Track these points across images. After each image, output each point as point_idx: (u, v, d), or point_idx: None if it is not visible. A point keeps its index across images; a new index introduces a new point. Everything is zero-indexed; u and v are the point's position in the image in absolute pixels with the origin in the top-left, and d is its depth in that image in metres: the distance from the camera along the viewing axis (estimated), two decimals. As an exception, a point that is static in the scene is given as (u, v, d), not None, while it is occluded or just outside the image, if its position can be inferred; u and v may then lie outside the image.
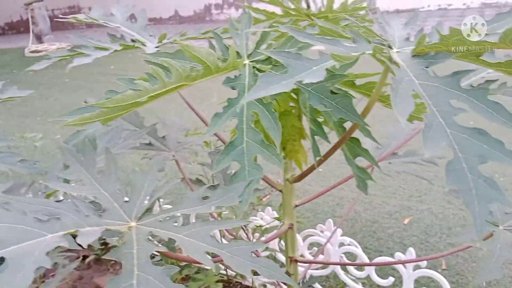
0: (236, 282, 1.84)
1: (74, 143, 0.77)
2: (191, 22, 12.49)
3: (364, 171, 0.94)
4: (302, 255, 1.64)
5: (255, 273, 1.21)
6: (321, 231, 1.65)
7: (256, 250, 1.57)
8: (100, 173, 0.70)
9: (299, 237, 1.67)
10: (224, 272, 1.83)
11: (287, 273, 1.14)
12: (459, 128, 0.45)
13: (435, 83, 0.51)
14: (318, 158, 0.85)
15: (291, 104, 0.98)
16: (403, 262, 1.23)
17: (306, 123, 0.98)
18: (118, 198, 0.65)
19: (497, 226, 0.85)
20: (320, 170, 2.91)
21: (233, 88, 0.79)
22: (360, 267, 1.55)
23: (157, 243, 1.38)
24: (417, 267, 1.40)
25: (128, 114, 1.27)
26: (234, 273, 1.84)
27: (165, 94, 0.77)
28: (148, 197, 0.66)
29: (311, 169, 0.96)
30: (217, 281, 1.76)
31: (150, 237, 1.24)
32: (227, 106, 0.76)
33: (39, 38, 8.95)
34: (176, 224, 0.60)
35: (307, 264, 1.44)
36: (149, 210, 0.63)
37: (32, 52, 8.09)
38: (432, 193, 2.46)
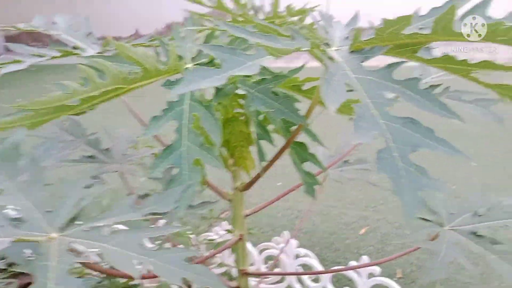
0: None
1: (-4, 150, 0.70)
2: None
3: (311, 175, 0.93)
4: (258, 269, 1.59)
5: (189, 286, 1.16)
6: (278, 244, 1.62)
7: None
8: (25, 182, 0.64)
9: (255, 251, 1.63)
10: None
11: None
12: (391, 118, 0.44)
13: (370, 76, 0.50)
14: (263, 163, 0.83)
15: (238, 110, 0.96)
16: (355, 268, 1.22)
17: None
18: (42, 208, 0.60)
19: (443, 226, 0.86)
20: (279, 184, 2.90)
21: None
22: (315, 279, 1.53)
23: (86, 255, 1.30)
24: (371, 276, 1.40)
25: (69, 124, 1.20)
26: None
27: (102, 98, 0.73)
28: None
29: (258, 176, 0.93)
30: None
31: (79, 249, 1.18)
32: (167, 108, 0.72)
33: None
34: (103, 233, 0.56)
35: (260, 278, 1.40)
36: (73, 219, 0.58)
37: None
38: (387, 203, 2.50)
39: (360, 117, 0.42)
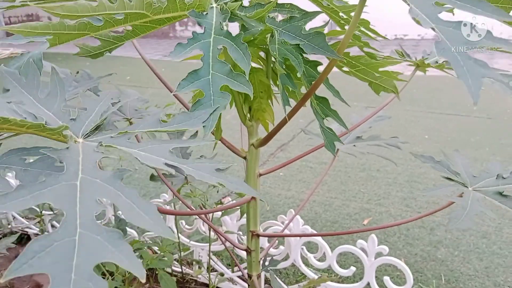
0: (191, 279, 1.74)
1: (17, 65, 0.68)
2: (154, 38, 12.40)
3: (331, 132, 0.90)
4: (262, 248, 1.56)
5: (212, 269, 1.12)
6: (282, 222, 1.59)
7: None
8: (46, 96, 0.61)
9: (259, 229, 1.59)
10: (179, 269, 1.72)
11: (247, 250, 1.07)
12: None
13: None
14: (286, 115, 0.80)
15: (256, 66, 0.94)
16: (366, 230, 1.19)
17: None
18: (64, 117, 0.57)
19: (467, 187, 0.83)
20: (281, 174, 2.88)
21: (199, 24, 0.74)
22: (321, 258, 1.50)
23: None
24: (379, 255, 1.37)
25: (81, 76, 1.18)
26: (189, 271, 1.73)
27: (125, 24, 0.70)
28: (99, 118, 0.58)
29: (278, 128, 0.90)
30: (171, 274, 1.65)
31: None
32: (192, 38, 0.70)
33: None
34: (130, 140, 0.53)
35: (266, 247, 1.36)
36: (99, 127, 0.56)
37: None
38: (390, 198, 2.48)
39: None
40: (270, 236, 1.14)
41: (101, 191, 0.41)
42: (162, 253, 1.14)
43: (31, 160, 0.49)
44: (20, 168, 0.50)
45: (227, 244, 1.38)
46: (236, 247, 1.08)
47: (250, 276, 1.07)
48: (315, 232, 1.53)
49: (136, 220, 0.38)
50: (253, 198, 1.02)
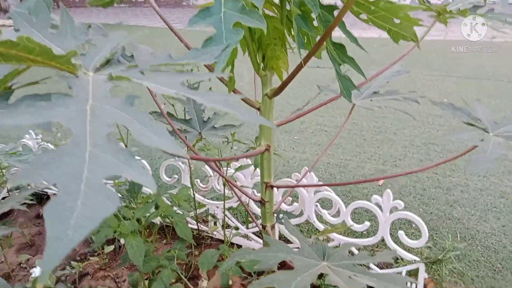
0: (206, 235, 1.77)
1: (28, 6, 0.67)
2: (168, 7, 12.22)
3: (348, 79, 0.88)
4: (275, 211, 1.57)
5: (227, 226, 1.12)
6: (296, 180, 1.59)
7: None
8: (55, 33, 0.60)
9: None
10: (195, 227, 1.75)
11: (261, 201, 1.07)
12: None
13: None
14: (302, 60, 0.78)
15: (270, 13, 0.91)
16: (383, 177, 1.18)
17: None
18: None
19: (488, 132, 0.81)
20: (296, 138, 2.86)
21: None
22: (335, 214, 1.50)
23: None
24: (394, 210, 1.36)
25: (93, 28, 1.16)
26: (205, 228, 1.76)
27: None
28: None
29: (293, 75, 0.88)
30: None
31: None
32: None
33: (6, 13, 8.57)
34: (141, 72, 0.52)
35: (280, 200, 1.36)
36: (109, 62, 0.55)
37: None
38: (406, 159, 2.45)
39: None
40: (283, 187, 1.14)
41: (113, 114, 0.40)
42: (177, 205, 1.15)
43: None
44: (35, 110, 0.49)
45: (242, 199, 1.39)
46: (251, 198, 1.08)
47: (264, 227, 1.08)
48: (329, 189, 1.53)
49: (149, 140, 0.38)
50: (266, 149, 1.01)
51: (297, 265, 0.68)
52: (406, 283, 0.65)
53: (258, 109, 1.00)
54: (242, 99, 1.00)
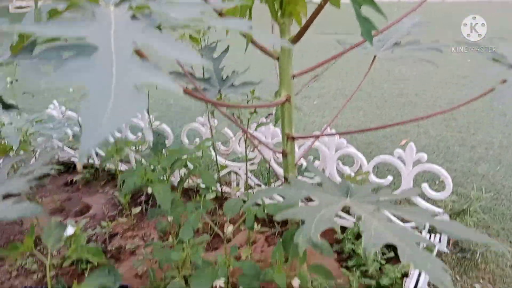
0: (229, 197, 1.80)
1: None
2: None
3: (368, 21, 0.86)
4: (296, 164, 1.58)
5: (249, 187, 1.11)
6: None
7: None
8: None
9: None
10: (218, 189, 1.78)
11: (283, 153, 1.08)
12: None
13: None
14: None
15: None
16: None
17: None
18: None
19: (513, 69, 0.78)
20: (315, 103, 2.84)
21: None
22: (357, 171, 1.50)
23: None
24: (417, 163, 1.35)
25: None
26: (228, 189, 1.79)
27: None
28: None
29: (312, 18, 0.86)
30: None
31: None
32: None
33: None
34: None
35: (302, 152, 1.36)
36: (128, -3, 0.55)
37: (16, 8, 7.86)
38: (429, 119, 2.41)
39: None
40: (304, 137, 1.14)
41: (135, 34, 0.41)
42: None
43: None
44: (56, 61, 0.50)
45: (264, 153, 1.39)
46: (272, 150, 1.09)
47: (286, 179, 1.09)
48: (351, 146, 1.52)
49: (172, 53, 0.38)
50: (287, 100, 1.00)
51: (321, 200, 0.69)
52: (434, 216, 0.65)
53: (277, 58, 0.99)
54: (261, 49, 0.99)
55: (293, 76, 1.01)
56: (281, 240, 0.71)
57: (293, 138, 1.07)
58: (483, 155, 1.96)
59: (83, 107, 0.30)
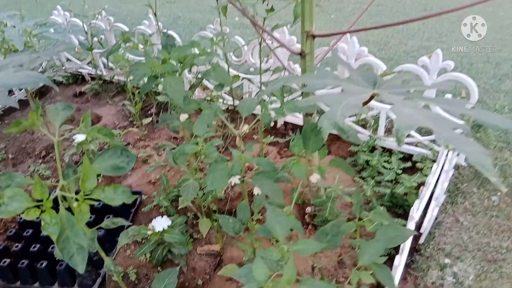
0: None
1: None
2: None
3: None
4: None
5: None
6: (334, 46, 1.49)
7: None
8: None
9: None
10: (230, 102, 1.73)
11: (301, 53, 1.01)
12: None
13: None
14: None
15: None
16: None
17: None
18: None
19: None
20: (332, 17, 2.68)
21: None
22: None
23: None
24: (442, 72, 1.27)
25: None
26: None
27: None
28: None
29: None
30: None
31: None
32: None
33: None
34: None
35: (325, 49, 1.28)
36: None
37: None
38: (453, 35, 2.27)
39: None
40: (326, 36, 1.05)
41: None
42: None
43: None
44: None
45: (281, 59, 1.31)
46: (290, 50, 1.02)
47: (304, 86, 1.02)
48: (371, 55, 1.43)
49: None
50: (308, -7, 0.91)
51: (347, 90, 0.63)
52: (464, 106, 0.59)
53: None
54: None
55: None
56: (300, 133, 0.67)
57: (313, 36, 0.99)
58: (508, 72, 1.86)
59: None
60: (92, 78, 2.14)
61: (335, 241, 0.66)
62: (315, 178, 0.71)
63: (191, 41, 1.00)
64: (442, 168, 1.22)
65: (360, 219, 0.71)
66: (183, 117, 0.94)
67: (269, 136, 1.61)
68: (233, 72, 1.67)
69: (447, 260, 1.12)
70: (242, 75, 1.68)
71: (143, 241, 1.12)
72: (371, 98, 0.63)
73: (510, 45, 2.11)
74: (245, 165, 0.81)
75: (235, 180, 0.78)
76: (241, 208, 0.83)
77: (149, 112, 1.80)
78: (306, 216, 1.27)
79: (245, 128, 0.86)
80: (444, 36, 2.27)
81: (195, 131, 0.75)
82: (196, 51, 0.97)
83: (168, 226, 1.06)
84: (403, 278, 1.09)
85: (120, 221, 0.81)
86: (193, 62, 0.89)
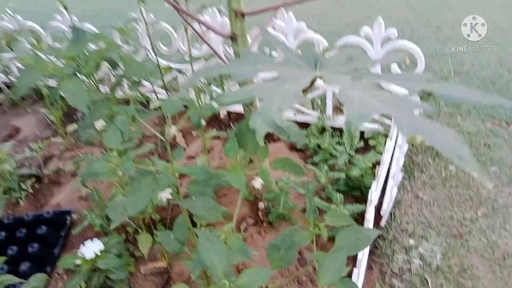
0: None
1: None
2: None
3: None
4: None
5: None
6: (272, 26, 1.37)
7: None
8: None
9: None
10: (164, 96, 1.57)
11: (232, 37, 0.88)
12: None
13: None
14: None
15: None
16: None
17: None
18: None
19: None
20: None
21: None
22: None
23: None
24: (386, 41, 1.19)
25: None
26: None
27: None
28: None
29: None
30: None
31: None
32: None
33: None
34: None
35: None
36: None
37: None
38: (392, 2, 2.22)
39: None
40: (256, 13, 0.93)
41: None
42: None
43: None
44: None
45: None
46: (219, 33, 0.88)
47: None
48: (310, 30, 1.33)
49: None
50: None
51: (283, 75, 0.51)
52: (422, 79, 0.49)
53: None
54: None
55: None
56: (233, 134, 0.55)
57: (243, 15, 0.86)
58: (450, 35, 1.83)
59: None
60: (8, 87, 1.89)
61: (289, 256, 0.55)
62: (258, 183, 0.60)
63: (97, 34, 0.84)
64: (395, 143, 1.15)
65: (315, 225, 0.61)
66: (99, 124, 0.79)
67: (211, 129, 1.47)
68: (163, 62, 1.51)
69: (411, 241, 1.05)
70: (173, 65, 1.52)
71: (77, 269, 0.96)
72: (313, 82, 0.51)
73: (448, 6, 2.09)
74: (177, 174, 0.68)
75: (166, 195, 0.65)
76: (179, 226, 0.70)
77: (74, 116, 1.60)
78: (259, 213, 1.16)
79: (172, 130, 0.72)
80: (384, 3, 2.21)
81: (105, 143, 0.61)
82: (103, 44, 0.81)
83: (101, 250, 0.91)
84: (369, 268, 1.01)
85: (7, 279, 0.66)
86: (101, 58, 0.73)
